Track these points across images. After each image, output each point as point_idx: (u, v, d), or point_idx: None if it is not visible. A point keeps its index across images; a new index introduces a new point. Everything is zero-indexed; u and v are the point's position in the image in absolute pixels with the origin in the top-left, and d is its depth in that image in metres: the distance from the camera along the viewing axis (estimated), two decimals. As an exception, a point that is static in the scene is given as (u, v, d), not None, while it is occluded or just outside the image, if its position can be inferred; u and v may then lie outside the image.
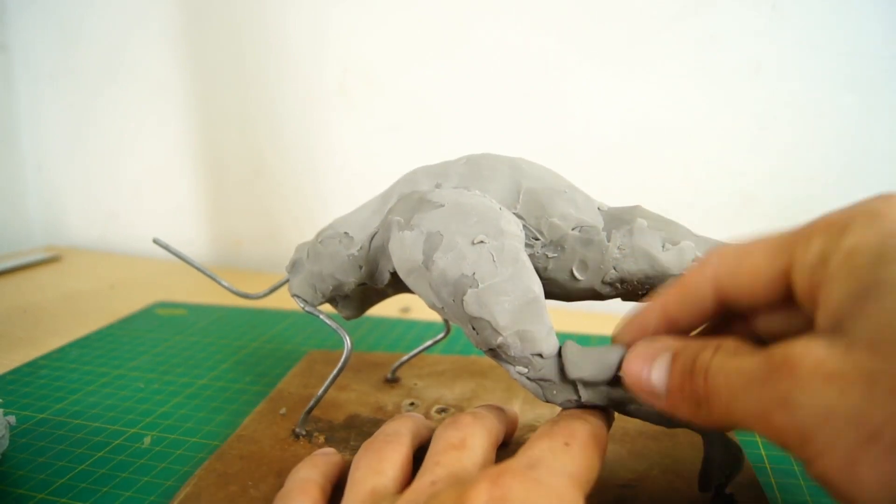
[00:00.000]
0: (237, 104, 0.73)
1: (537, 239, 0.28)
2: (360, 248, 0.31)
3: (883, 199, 0.19)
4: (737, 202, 0.53)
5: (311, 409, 0.32)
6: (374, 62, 0.65)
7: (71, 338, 0.50)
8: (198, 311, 0.56)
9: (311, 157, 0.71)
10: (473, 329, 0.26)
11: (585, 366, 0.25)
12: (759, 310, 0.21)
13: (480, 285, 0.25)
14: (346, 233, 0.31)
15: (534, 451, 0.21)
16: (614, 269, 0.27)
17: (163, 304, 0.58)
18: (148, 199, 0.83)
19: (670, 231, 0.27)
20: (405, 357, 0.39)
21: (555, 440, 0.21)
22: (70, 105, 0.85)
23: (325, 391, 0.32)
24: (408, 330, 0.50)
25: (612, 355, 0.24)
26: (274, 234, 0.75)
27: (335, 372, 0.31)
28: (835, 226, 0.18)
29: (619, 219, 0.27)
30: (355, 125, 0.67)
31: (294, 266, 0.33)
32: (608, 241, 0.27)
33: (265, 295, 0.35)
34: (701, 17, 0.52)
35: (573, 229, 0.28)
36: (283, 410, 0.35)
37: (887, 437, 0.15)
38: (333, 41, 0.66)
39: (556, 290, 0.28)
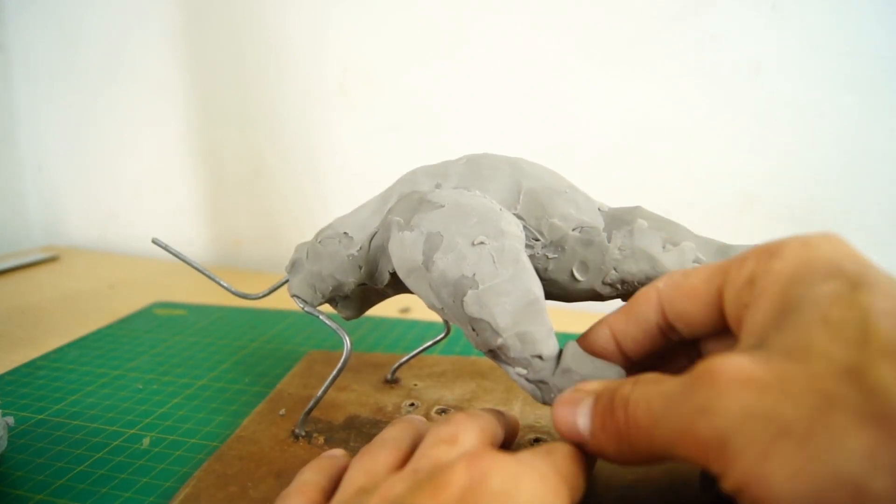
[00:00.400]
0: (237, 104, 0.73)
1: (537, 240, 0.28)
2: (360, 248, 0.31)
3: (817, 234, 0.20)
4: (737, 202, 0.53)
5: (311, 409, 0.32)
6: (374, 62, 0.65)
7: (70, 338, 0.50)
8: (197, 312, 0.56)
9: (311, 157, 0.71)
10: (473, 330, 0.26)
11: (584, 365, 0.25)
12: (700, 335, 0.22)
13: (481, 286, 0.25)
14: (345, 233, 0.31)
15: (517, 453, 0.21)
16: (615, 269, 0.27)
17: (162, 305, 0.58)
18: (148, 199, 0.82)
19: (671, 232, 0.27)
20: (405, 358, 0.39)
21: (537, 450, 0.21)
22: (70, 105, 0.85)
23: (325, 392, 0.32)
24: (408, 330, 0.50)
25: (610, 370, 0.25)
26: (274, 234, 0.75)
27: (335, 372, 0.31)
28: (767, 252, 0.20)
29: (620, 219, 0.27)
30: (355, 125, 0.67)
31: (293, 266, 0.33)
32: (609, 241, 0.27)
33: (265, 295, 0.35)
34: (701, 17, 0.52)
35: (574, 230, 0.27)
36: (282, 411, 0.35)
37: (797, 431, 0.15)
38: (333, 41, 0.66)
39: (557, 290, 0.28)
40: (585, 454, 0.22)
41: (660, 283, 0.23)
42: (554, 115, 0.58)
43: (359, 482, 0.23)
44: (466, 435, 0.23)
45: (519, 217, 0.28)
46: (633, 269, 0.27)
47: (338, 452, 0.29)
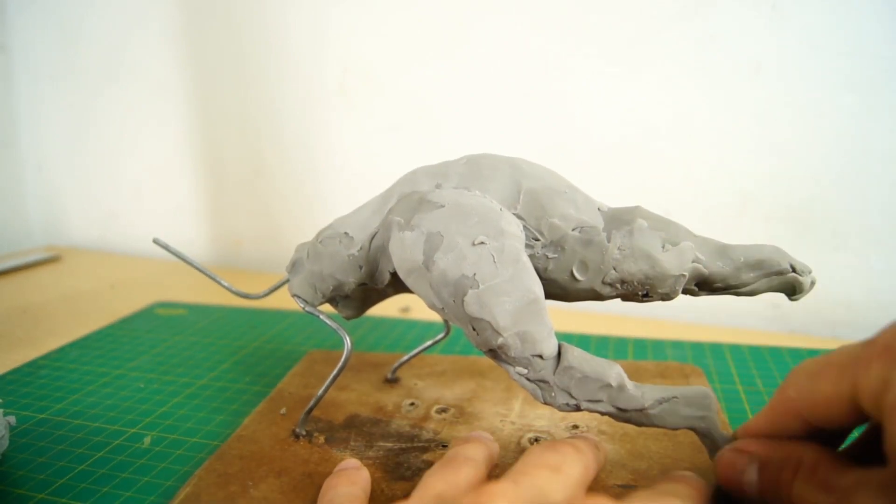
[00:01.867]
0: (237, 104, 0.73)
1: (537, 239, 0.28)
2: (360, 248, 0.31)
3: None
4: (736, 202, 0.53)
5: (312, 409, 0.32)
6: (374, 62, 0.65)
7: (71, 338, 0.50)
8: (198, 311, 0.56)
9: (311, 157, 0.71)
10: (474, 329, 0.26)
11: (585, 364, 0.25)
12: (851, 427, 0.22)
13: (481, 286, 0.25)
14: (346, 233, 0.31)
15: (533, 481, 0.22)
16: (614, 269, 0.27)
17: (163, 304, 0.58)
18: (148, 199, 0.83)
19: (670, 232, 0.27)
20: (405, 357, 0.39)
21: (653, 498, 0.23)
22: (70, 105, 0.85)
23: (325, 391, 0.32)
24: (408, 330, 0.50)
25: (611, 368, 0.25)
26: (274, 234, 0.75)
27: (335, 372, 0.31)
28: (892, 351, 0.19)
29: (620, 219, 0.28)
30: (355, 125, 0.67)
31: (294, 266, 0.33)
32: (608, 241, 0.27)
33: (265, 295, 0.35)
34: (701, 18, 0.52)
35: (573, 230, 0.28)
36: (283, 410, 0.35)
37: None
38: (333, 41, 0.66)
39: (557, 290, 0.28)
40: (594, 464, 0.24)
41: (791, 393, 0.23)
42: (554, 115, 0.58)
43: (437, 490, 0.23)
44: (572, 468, 0.23)
45: (519, 217, 0.28)
46: (633, 268, 0.27)
47: (354, 463, 0.29)
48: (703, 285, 0.28)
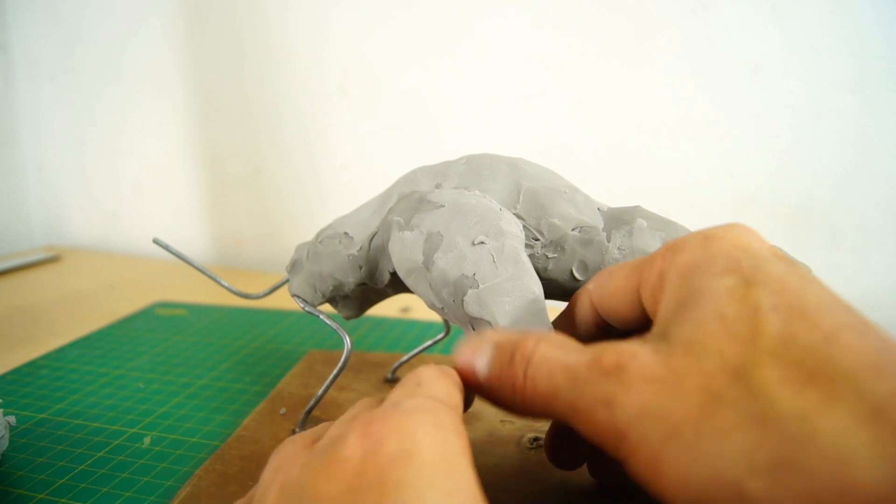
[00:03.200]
0: (238, 104, 0.73)
1: (537, 239, 0.28)
2: (360, 248, 0.31)
3: (721, 226, 0.20)
4: (736, 202, 0.53)
5: (311, 409, 0.32)
6: (374, 62, 0.65)
7: (71, 338, 0.50)
8: (198, 311, 0.56)
9: (312, 158, 0.71)
10: (474, 329, 0.26)
11: None
12: (634, 329, 0.22)
13: (481, 286, 0.25)
14: (345, 233, 0.31)
15: (391, 397, 0.20)
16: None
17: (163, 304, 0.58)
18: (148, 198, 0.83)
19: (670, 231, 0.27)
20: (405, 357, 0.39)
21: (406, 384, 0.20)
22: (70, 105, 0.85)
23: (326, 391, 0.32)
24: (408, 330, 0.50)
25: None
26: (274, 234, 0.75)
27: (335, 372, 0.31)
28: (672, 247, 0.20)
29: (619, 219, 0.27)
30: (355, 125, 0.67)
31: (294, 266, 0.33)
32: (608, 241, 0.27)
33: (265, 295, 0.35)
34: (700, 18, 0.52)
35: (573, 230, 0.27)
36: (283, 410, 0.35)
37: (686, 432, 0.15)
38: (333, 41, 0.66)
39: (556, 290, 0.28)
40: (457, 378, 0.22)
41: (590, 285, 0.24)
42: (554, 115, 0.58)
43: (274, 464, 0.20)
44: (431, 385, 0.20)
45: (519, 217, 0.28)
46: None
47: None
48: None
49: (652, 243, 0.27)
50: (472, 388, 0.21)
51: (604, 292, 0.23)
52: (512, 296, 0.25)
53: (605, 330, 0.24)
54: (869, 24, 0.47)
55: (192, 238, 0.80)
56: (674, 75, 0.53)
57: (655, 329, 0.19)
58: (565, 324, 0.25)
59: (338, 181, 0.70)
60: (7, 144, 0.87)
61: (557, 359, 0.19)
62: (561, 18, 0.56)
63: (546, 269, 0.28)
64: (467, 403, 0.22)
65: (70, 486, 0.30)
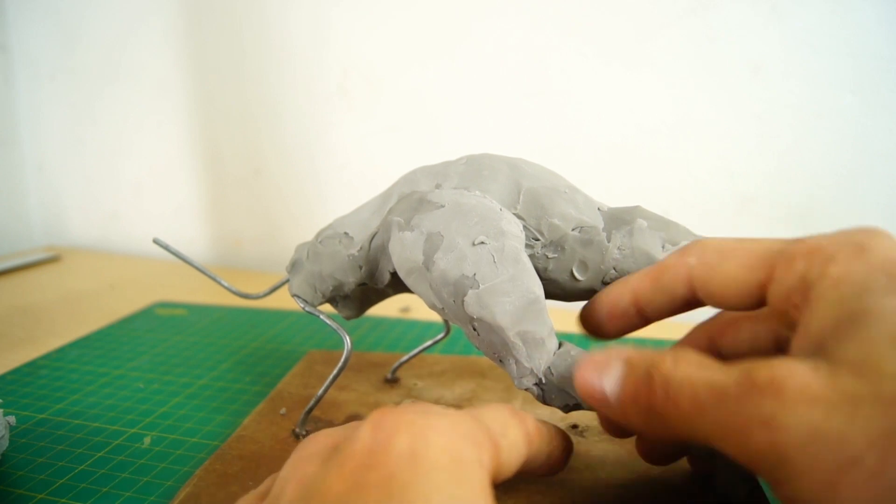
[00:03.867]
0: (238, 104, 0.73)
1: (537, 239, 0.28)
2: (360, 248, 0.31)
3: (866, 232, 0.19)
4: (737, 202, 0.53)
5: (311, 409, 0.32)
6: (374, 62, 0.65)
7: (71, 338, 0.50)
8: (198, 311, 0.56)
9: (312, 157, 0.71)
10: (474, 330, 0.26)
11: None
12: (732, 310, 0.21)
13: (481, 286, 0.25)
14: (346, 233, 0.31)
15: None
16: (614, 269, 0.27)
17: (163, 304, 0.58)
18: (148, 198, 0.83)
19: (670, 232, 0.27)
20: (405, 357, 0.39)
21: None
22: (70, 105, 0.85)
23: (325, 391, 0.32)
24: (408, 330, 0.50)
25: None
26: (274, 234, 0.75)
27: (335, 372, 0.31)
28: (820, 253, 0.19)
29: (620, 219, 0.28)
30: (355, 125, 0.67)
31: (294, 266, 0.33)
32: (608, 241, 0.27)
33: (265, 295, 0.35)
34: (700, 18, 0.52)
35: (573, 230, 0.27)
36: (283, 410, 0.35)
37: (868, 463, 0.14)
38: (333, 41, 0.66)
39: (557, 290, 0.28)
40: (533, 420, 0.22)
41: (691, 259, 0.22)
42: (554, 115, 0.58)
43: (295, 458, 0.20)
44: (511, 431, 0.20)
45: (519, 217, 0.28)
46: (633, 268, 0.27)
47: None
48: None
49: (652, 243, 0.27)
50: (597, 408, 0.21)
51: (712, 273, 0.21)
52: (512, 296, 0.25)
53: (690, 305, 0.23)
54: (869, 24, 0.47)
55: (193, 238, 0.80)
56: (674, 75, 0.53)
57: (804, 344, 0.18)
58: (648, 290, 0.24)
59: (338, 181, 0.70)
60: (7, 144, 0.87)
61: (701, 377, 0.18)
62: (561, 18, 0.56)
63: (546, 269, 0.28)
64: (566, 455, 0.21)
65: (70, 486, 0.30)
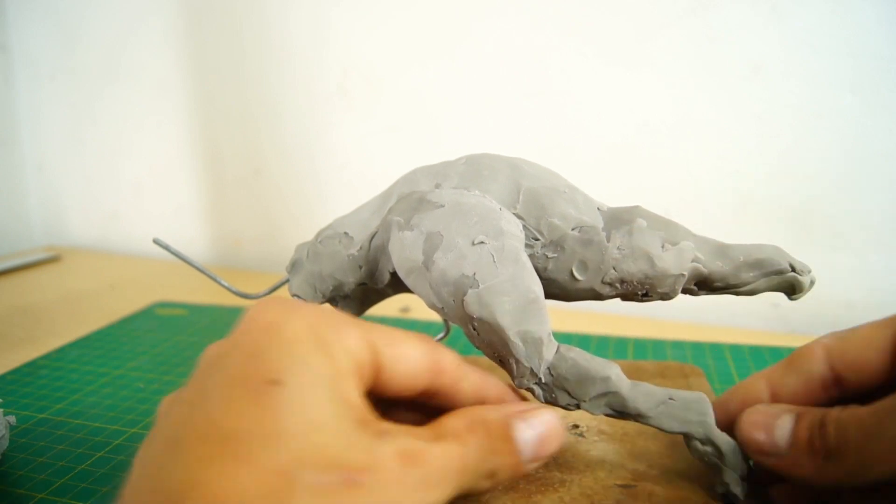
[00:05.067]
0: (238, 104, 0.73)
1: (537, 239, 0.28)
2: (360, 248, 0.31)
3: None
4: (737, 202, 0.53)
5: None
6: (374, 62, 0.65)
7: (71, 338, 0.50)
8: (198, 311, 0.56)
9: (312, 157, 0.71)
10: (474, 329, 0.26)
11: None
12: (870, 384, 0.21)
13: (481, 286, 0.25)
14: (345, 233, 0.31)
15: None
16: (614, 269, 0.27)
17: (163, 304, 0.58)
18: (148, 198, 0.83)
19: (670, 231, 0.27)
20: None
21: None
22: (70, 105, 0.85)
23: None
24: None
25: (610, 366, 0.25)
26: (274, 234, 0.75)
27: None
28: None
29: (619, 219, 0.28)
30: (355, 125, 0.67)
31: (294, 266, 0.33)
32: (608, 241, 0.27)
33: (265, 295, 0.35)
34: (701, 18, 0.52)
35: (573, 229, 0.27)
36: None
37: None
38: (333, 41, 0.66)
39: (556, 290, 0.28)
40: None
41: (825, 339, 0.23)
42: (554, 115, 0.58)
43: None
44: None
45: (518, 217, 0.28)
46: (633, 268, 0.27)
47: None
48: (703, 285, 0.28)
49: (651, 242, 0.27)
50: (763, 460, 0.21)
51: (848, 343, 0.22)
52: (512, 295, 0.25)
53: (827, 389, 0.23)
54: (869, 24, 0.47)
55: (192, 238, 0.80)
56: (674, 75, 0.53)
57: None
58: (782, 374, 0.24)
59: (338, 181, 0.70)
60: (7, 144, 0.87)
61: (864, 411, 0.19)
62: (561, 18, 0.56)
63: (546, 268, 0.28)
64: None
65: (70, 485, 0.30)
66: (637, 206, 0.28)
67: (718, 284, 0.27)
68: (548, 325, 0.25)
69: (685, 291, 0.28)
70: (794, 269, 0.27)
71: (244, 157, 0.75)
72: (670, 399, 0.25)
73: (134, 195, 0.83)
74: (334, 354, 0.19)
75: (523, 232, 0.28)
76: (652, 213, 0.28)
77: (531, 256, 0.28)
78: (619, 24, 0.54)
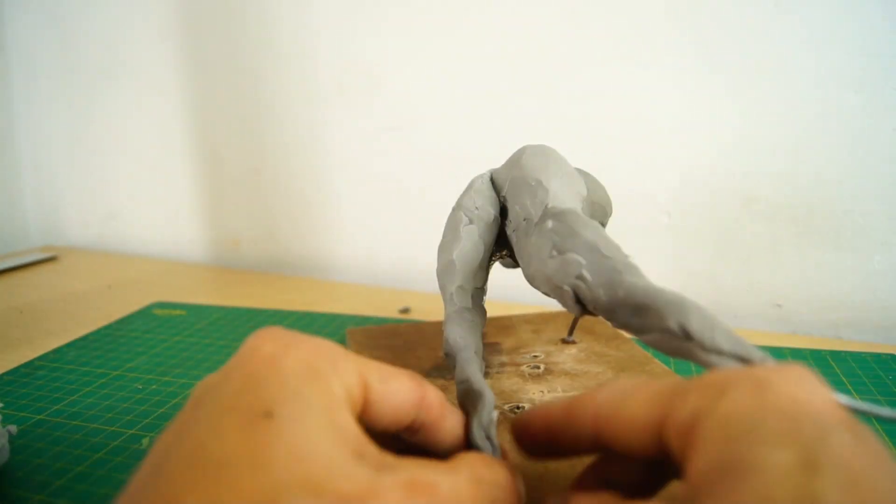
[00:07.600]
0: (236, 104, 0.73)
1: (511, 221, 0.32)
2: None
3: (774, 369, 0.17)
4: (739, 202, 0.53)
5: None
6: (373, 62, 0.65)
7: (68, 338, 0.49)
8: (196, 312, 0.56)
9: (311, 157, 0.70)
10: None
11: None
12: (638, 456, 0.19)
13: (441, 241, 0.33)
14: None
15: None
16: (529, 265, 0.29)
17: (161, 305, 0.58)
18: (146, 198, 0.82)
19: (567, 240, 0.26)
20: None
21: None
22: (68, 105, 0.84)
23: None
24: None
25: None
26: (273, 234, 0.75)
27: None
28: (714, 386, 0.17)
29: (546, 216, 0.29)
30: (354, 125, 0.67)
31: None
32: (529, 236, 0.29)
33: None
34: (702, 16, 0.51)
35: (524, 220, 0.30)
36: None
37: None
38: (333, 41, 0.66)
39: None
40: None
41: (598, 397, 0.20)
42: (554, 113, 0.58)
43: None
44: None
45: (505, 200, 0.32)
46: (532, 267, 0.28)
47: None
48: (600, 312, 0.24)
49: (543, 245, 0.27)
50: None
51: (615, 417, 0.19)
52: (441, 256, 0.32)
53: (597, 448, 0.21)
54: (873, 23, 0.47)
55: (191, 238, 0.79)
56: (675, 74, 0.53)
57: (686, 489, 0.16)
58: (562, 418, 0.21)
59: (337, 181, 0.70)
60: (4, 144, 0.86)
61: None
62: (561, 18, 0.56)
63: (514, 248, 0.31)
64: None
65: (68, 487, 0.30)
66: (569, 210, 0.28)
67: (601, 315, 0.24)
68: (456, 283, 0.30)
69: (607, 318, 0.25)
70: (690, 337, 0.21)
71: (243, 158, 0.74)
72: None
73: (132, 195, 0.83)
74: (330, 386, 0.19)
75: (495, 209, 0.33)
76: (581, 218, 0.27)
77: (514, 231, 0.31)
78: (620, 21, 0.54)
